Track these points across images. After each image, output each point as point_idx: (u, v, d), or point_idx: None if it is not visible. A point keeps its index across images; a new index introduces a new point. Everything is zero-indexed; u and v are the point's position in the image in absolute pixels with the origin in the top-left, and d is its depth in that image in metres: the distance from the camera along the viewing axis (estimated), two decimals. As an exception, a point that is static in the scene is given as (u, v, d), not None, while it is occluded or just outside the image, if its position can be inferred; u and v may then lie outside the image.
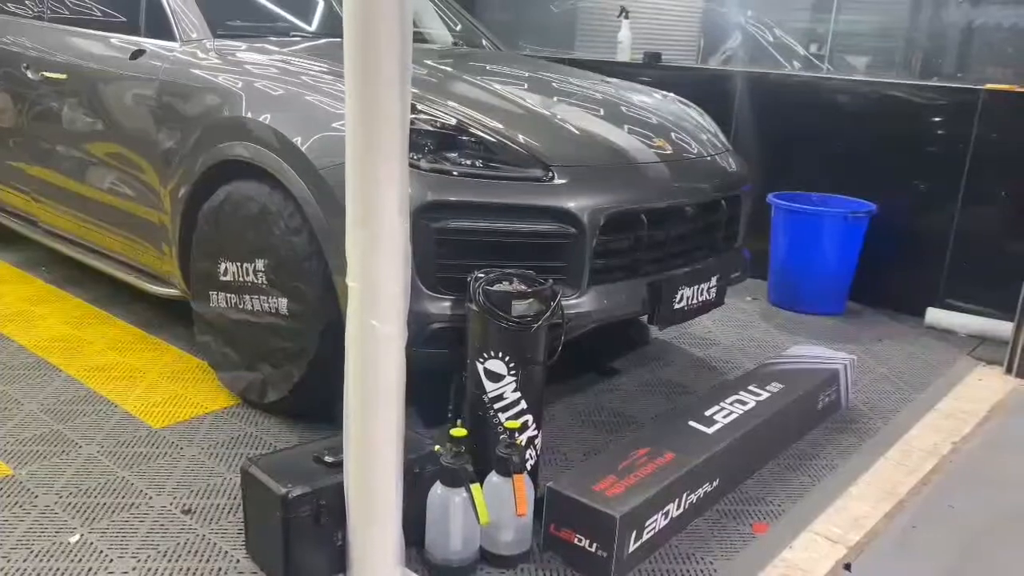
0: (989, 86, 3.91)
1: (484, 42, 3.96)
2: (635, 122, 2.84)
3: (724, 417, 2.45)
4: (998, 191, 3.89)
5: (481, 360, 2.08)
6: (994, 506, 2.50)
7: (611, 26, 5.55)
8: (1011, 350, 3.52)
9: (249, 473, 1.90)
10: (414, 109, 2.40)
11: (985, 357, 3.67)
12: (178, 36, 2.95)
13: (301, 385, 2.53)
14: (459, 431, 1.93)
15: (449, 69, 3.10)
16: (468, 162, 2.33)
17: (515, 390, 2.07)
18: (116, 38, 3.16)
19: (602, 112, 2.83)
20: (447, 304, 2.26)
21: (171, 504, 2.17)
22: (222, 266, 2.68)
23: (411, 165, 2.25)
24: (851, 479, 2.55)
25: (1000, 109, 3.86)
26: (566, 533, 1.99)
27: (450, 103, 2.54)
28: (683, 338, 3.62)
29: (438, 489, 1.92)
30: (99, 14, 3.33)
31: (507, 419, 2.09)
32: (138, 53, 3.03)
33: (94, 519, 2.08)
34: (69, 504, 2.14)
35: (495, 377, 2.07)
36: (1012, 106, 3.85)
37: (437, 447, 1.98)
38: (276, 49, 2.89)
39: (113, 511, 2.12)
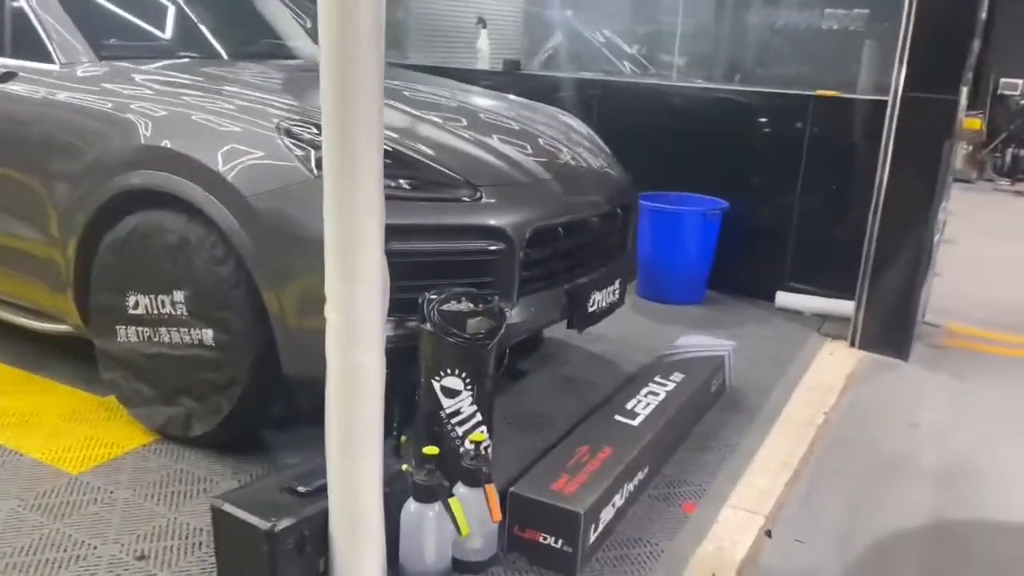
0: (818, 92, 4.39)
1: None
2: (540, 140, 2.99)
3: (643, 409, 2.66)
4: (830, 185, 4.39)
5: (437, 378, 2.16)
6: (868, 463, 2.88)
7: (459, 31, 5.69)
8: (853, 327, 4.00)
9: (222, 511, 1.89)
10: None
11: (831, 333, 4.14)
12: (56, 58, 2.79)
13: (231, 417, 2.50)
14: (431, 449, 2.01)
15: None
16: (397, 184, 2.39)
17: (471, 404, 2.18)
18: (-23, 60, 2.93)
19: (508, 131, 2.96)
20: (388, 325, 2.32)
21: (120, 552, 2.10)
22: (131, 299, 2.58)
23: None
24: (750, 455, 2.84)
25: (827, 113, 4.35)
26: (530, 533, 2.12)
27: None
28: (572, 336, 3.82)
29: (411, 506, 1.99)
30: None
31: (464, 432, 2.19)
32: (8, 76, 2.83)
33: (42, 577, 1.99)
34: (10, 564, 2.02)
35: (452, 393, 2.16)
36: (837, 110, 4.35)
37: (404, 466, 2.05)
38: (175, 72, 2.80)
39: (61, 567, 2.03)
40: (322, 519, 1.87)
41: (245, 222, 2.33)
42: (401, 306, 2.27)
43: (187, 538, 2.16)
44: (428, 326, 2.14)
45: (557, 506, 2.08)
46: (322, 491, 1.92)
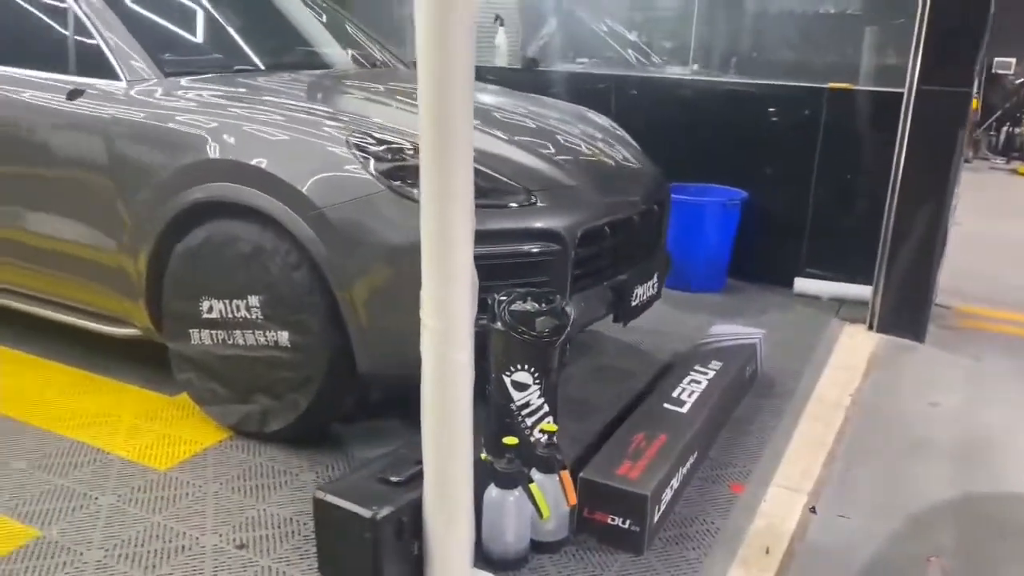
0: (832, 85, 4.55)
1: (385, 56, 4.06)
2: (580, 142, 3.14)
3: (689, 396, 2.83)
4: (844, 174, 4.56)
5: (507, 373, 2.32)
6: (897, 440, 3.06)
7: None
8: (871, 310, 4.18)
9: (324, 501, 2.05)
10: (404, 145, 2.59)
11: (849, 317, 4.32)
12: (123, 75, 2.92)
13: (307, 413, 2.66)
14: (511, 440, 2.18)
15: (405, 98, 3.24)
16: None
17: (539, 396, 2.34)
18: (45, 76, 3.05)
19: (551, 134, 3.11)
20: (457, 324, 2.48)
21: (220, 541, 2.26)
22: (205, 304, 2.73)
23: (416, 200, 2.45)
24: (787, 436, 3.02)
25: (841, 104, 4.51)
26: (599, 515, 2.29)
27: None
28: (606, 326, 3.99)
29: (492, 492, 2.16)
30: (12, 48, 3.19)
31: (533, 423, 2.35)
32: (76, 93, 2.96)
33: (155, 566, 2.15)
34: (121, 556, 2.19)
35: (521, 387, 2.32)
36: (850, 101, 4.51)
37: (484, 455, 2.22)
38: (238, 87, 2.94)
39: (168, 557, 2.19)
40: (417, 506, 2.03)
41: (320, 231, 2.47)
42: None
43: (279, 527, 2.33)
44: (499, 325, 2.30)
45: (625, 490, 2.25)
46: (413, 480, 2.10)
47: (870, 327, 4.18)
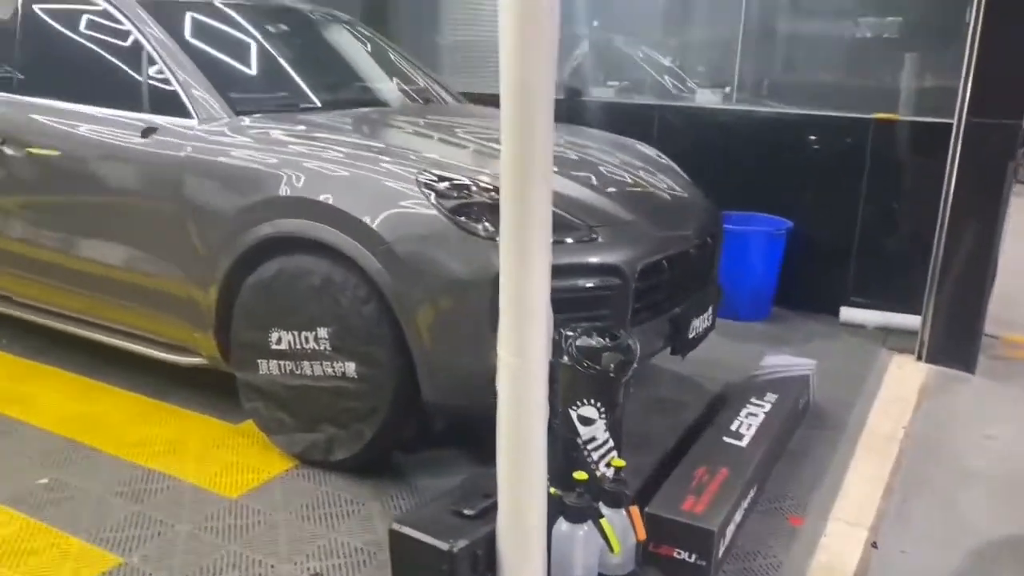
0: (877, 116, 4.58)
1: (435, 88, 4.15)
2: (636, 176, 3.20)
3: (747, 430, 2.86)
4: (889, 203, 4.57)
5: (574, 407, 2.37)
6: (953, 474, 3.07)
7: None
8: (919, 340, 4.18)
9: (400, 533, 2.11)
10: (471, 183, 2.67)
11: (897, 347, 4.32)
12: (195, 114, 3.02)
13: (373, 442, 2.72)
14: (581, 475, 2.22)
15: (463, 133, 3.33)
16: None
17: (605, 431, 2.39)
18: (119, 114, 3.17)
19: (605, 168, 3.18)
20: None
21: (295, 569, 2.33)
22: (274, 335, 2.81)
23: (484, 237, 2.53)
24: (843, 469, 3.03)
25: (887, 135, 4.54)
26: (665, 549, 2.33)
27: (488, 171, 2.81)
28: (657, 356, 4.03)
29: (562, 526, 2.20)
30: (87, 87, 3.32)
31: (599, 457, 2.40)
32: (149, 131, 3.07)
33: (234, 594, 2.22)
34: (201, 583, 2.26)
35: (587, 421, 2.37)
36: (895, 133, 4.54)
37: (552, 489, 2.26)
38: (308, 126, 3.04)
39: (247, 584, 2.26)
40: (491, 539, 2.08)
41: (389, 265, 2.55)
42: None
43: (351, 556, 2.39)
44: (566, 359, 2.35)
45: (692, 524, 2.28)
46: (485, 513, 2.15)
47: (919, 357, 4.18)
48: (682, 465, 2.63)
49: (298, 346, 2.77)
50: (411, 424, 2.79)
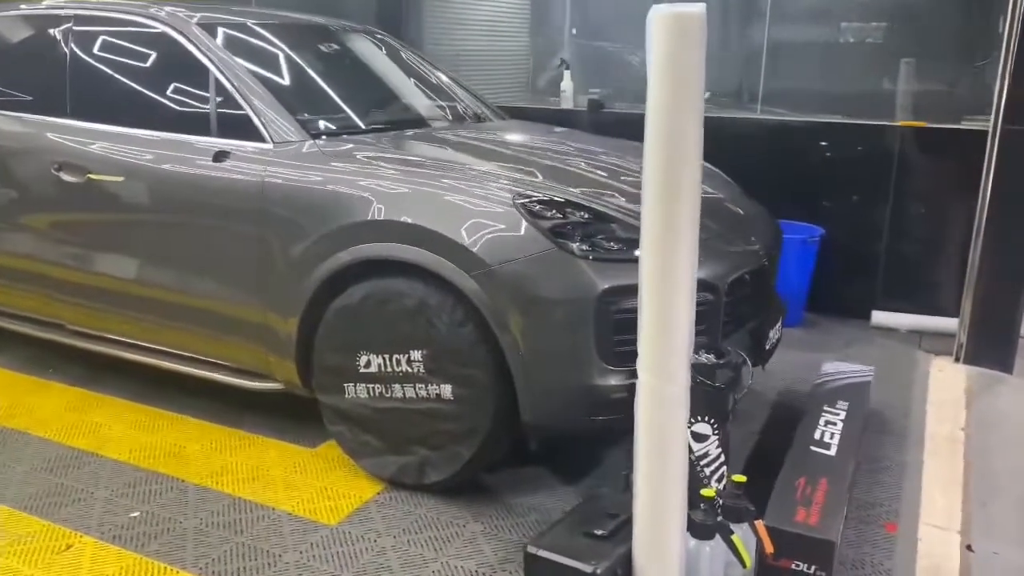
0: (903, 123, 4.68)
1: (481, 108, 4.16)
2: (707, 192, 3.23)
3: (831, 439, 2.91)
4: (918, 209, 4.68)
5: (688, 424, 2.39)
6: (1020, 471, 3.15)
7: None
8: (957, 343, 4.28)
9: (539, 556, 2.12)
10: (561, 201, 2.69)
11: (933, 349, 4.41)
12: (268, 138, 3.00)
13: (469, 464, 2.72)
14: (709, 491, 2.25)
15: (538, 152, 3.33)
16: (617, 246, 2.64)
17: (717, 446, 2.42)
18: (186, 139, 3.13)
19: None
20: (623, 375, 2.57)
21: (417, 596, 2.32)
22: (363, 359, 2.80)
23: (579, 256, 2.55)
24: (917, 473, 3.09)
25: (914, 141, 4.64)
26: (783, 561, 2.35)
27: (573, 189, 2.83)
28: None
29: (690, 542, 2.22)
30: (147, 111, 3.27)
31: (711, 472, 2.43)
32: (221, 155, 3.04)
33: (364, 624, 2.20)
34: (330, 614, 2.24)
35: (701, 438, 2.40)
36: (923, 139, 4.64)
37: (675, 506, 2.29)
38: (388, 147, 3.04)
39: (373, 613, 2.25)
40: (628, 559, 2.10)
41: (489, 288, 2.56)
42: (631, 358, 2.55)
43: (469, 580, 2.39)
44: (680, 378, 2.38)
45: (811, 536, 2.32)
46: (617, 532, 2.17)
47: (957, 359, 4.27)
48: (782, 477, 2.66)
49: (389, 369, 2.76)
50: (505, 444, 2.79)
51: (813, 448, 2.85)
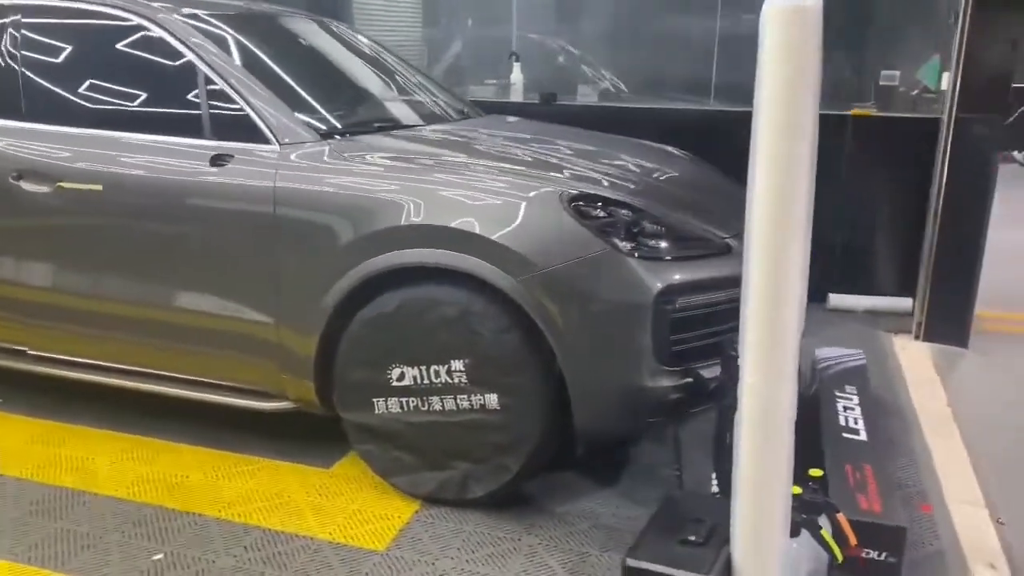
0: (854, 111, 4.86)
1: (464, 105, 4.03)
2: (714, 182, 3.25)
3: (855, 423, 2.97)
4: (867, 195, 4.87)
5: (757, 421, 2.38)
6: (1014, 440, 3.32)
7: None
8: (916, 322, 4.49)
9: (638, 568, 2.05)
10: (610, 201, 2.62)
11: (893, 328, 4.61)
12: (274, 139, 2.78)
13: (517, 476, 2.62)
14: (796, 488, 2.23)
15: (553, 148, 3.24)
16: (667, 245, 2.59)
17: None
18: (175, 141, 2.86)
19: (693, 180, 3.21)
20: (678, 375, 2.53)
21: (499, 619, 2.21)
22: (395, 371, 2.64)
23: (626, 254, 2.49)
24: (926, 451, 3.21)
25: (863, 129, 4.82)
26: (854, 550, 2.38)
27: (607, 184, 2.76)
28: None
29: (776, 540, 2.21)
30: (127, 112, 2.97)
31: (780, 467, 2.42)
32: (221, 159, 2.79)
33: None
34: (416, 648, 2.10)
35: (769, 433, 2.39)
36: (871, 126, 4.83)
37: (755, 505, 2.26)
38: (411, 146, 2.89)
39: (461, 642, 2.12)
40: (728, 563, 2.06)
41: (539, 292, 2.45)
42: (686, 357, 2.53)
43: (545, 597, 2.30)
44: (749, 375, 2.36)
45: (882, 524, 2.35)
46: (710, 537, 2.13)
47: (916, 337, 4.48)
48: (829, 467, 2.69)
49: (426, 381, 2.62)
50: (551, 453, 2.70)
51: (845, 435, 2.89)
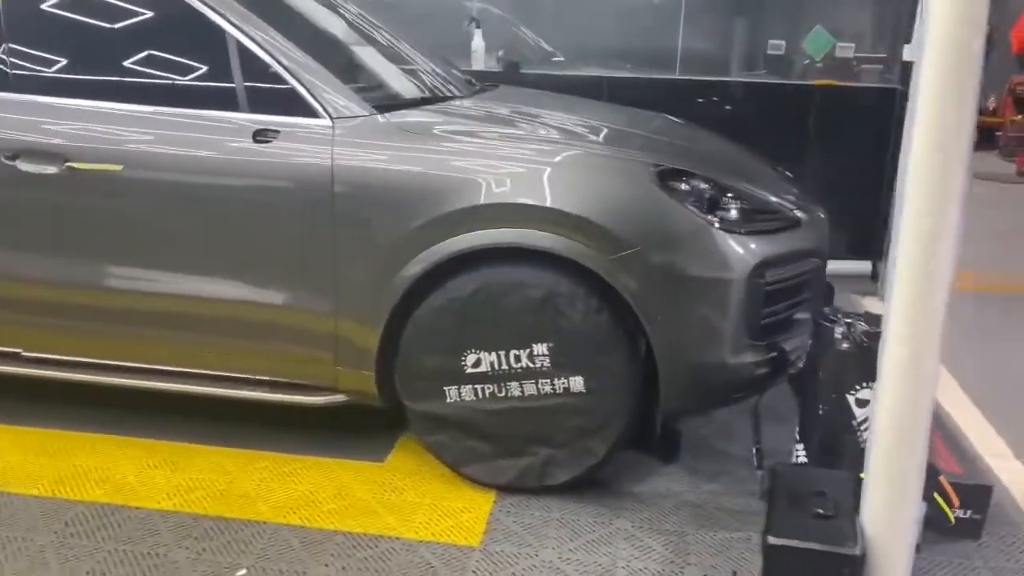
0: (817, 82, 5.00)
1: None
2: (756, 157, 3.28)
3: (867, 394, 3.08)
4: (832, 161, 5.05)
5: (853, 391, 2.42)
6: (1009, 386, 3.54)
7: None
8: (881, 285, 4.71)
9: (788, 546, 2.04)
10: (694, 174, 2.57)
11: (860, 291, 4.82)
12: (325, 112, 2.56)
13: (604, 458, 2.56)
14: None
15: (624, 125, 3.15)
16: (750, 219, 2.57)
17: (875, 409, 2.46)
18: (214, 115, 2.59)
19: (740, 154, 3.24)
20: (764, 349, 2.53)
21: (629, 608, 2.16)
22: (471, 358, 2.52)
23: (719, 229, 2.46)
24: (938, 409, 3.37)
25: (826, 98, 4.98)
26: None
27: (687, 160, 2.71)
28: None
29: (886, 508, 2.26)
30: (149, 84, 2.66)
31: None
32: (264, 134, 2.55)
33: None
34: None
35: (864, 404, 2.43)
36: (834, 96, 4.99)
37: (862, 475, 2.31)
38: (479, 119, 2.79)
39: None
40: (863, 536, 2.09)
41: (634, 271, 2.39)
42: (772, 331, 2.54)
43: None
44: (845, 346, 2.39)
45: (969, 484, 2.45)
46: (838, 510, 2.15)
47: (882, 299, 4.69)
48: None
49: (504, 366, 2.51)
50: (631, 434, 2.65)
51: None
